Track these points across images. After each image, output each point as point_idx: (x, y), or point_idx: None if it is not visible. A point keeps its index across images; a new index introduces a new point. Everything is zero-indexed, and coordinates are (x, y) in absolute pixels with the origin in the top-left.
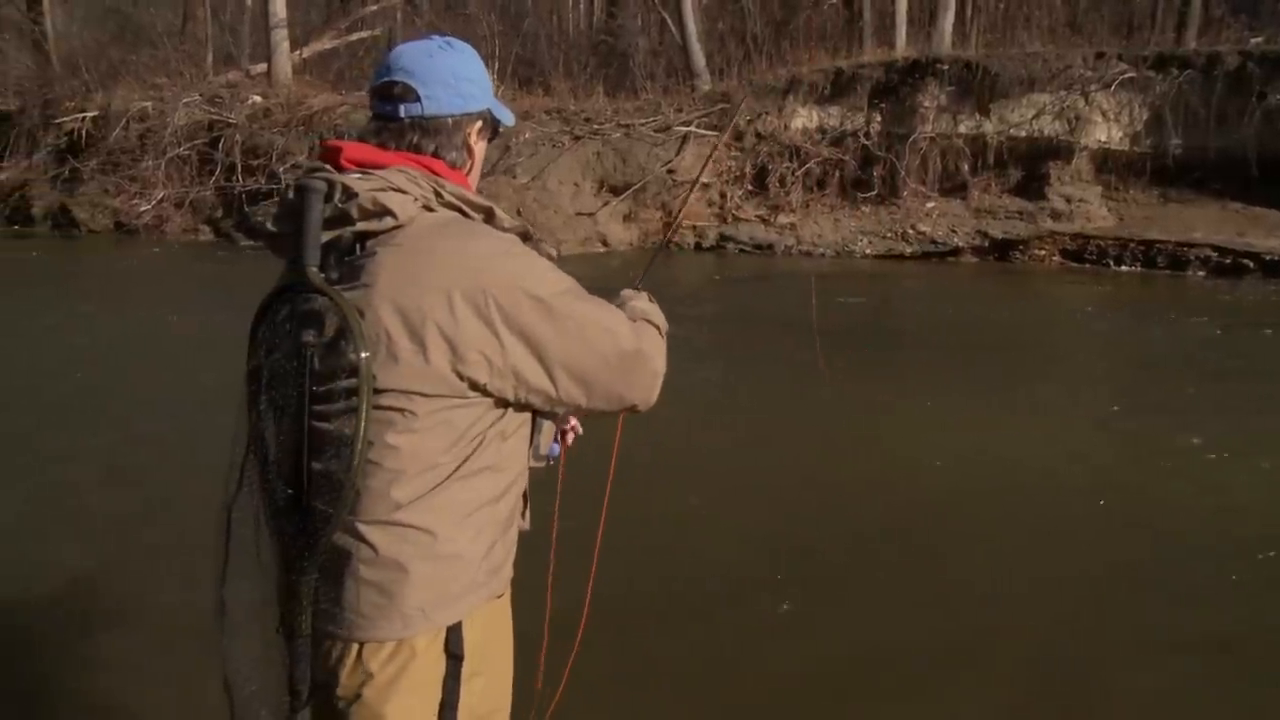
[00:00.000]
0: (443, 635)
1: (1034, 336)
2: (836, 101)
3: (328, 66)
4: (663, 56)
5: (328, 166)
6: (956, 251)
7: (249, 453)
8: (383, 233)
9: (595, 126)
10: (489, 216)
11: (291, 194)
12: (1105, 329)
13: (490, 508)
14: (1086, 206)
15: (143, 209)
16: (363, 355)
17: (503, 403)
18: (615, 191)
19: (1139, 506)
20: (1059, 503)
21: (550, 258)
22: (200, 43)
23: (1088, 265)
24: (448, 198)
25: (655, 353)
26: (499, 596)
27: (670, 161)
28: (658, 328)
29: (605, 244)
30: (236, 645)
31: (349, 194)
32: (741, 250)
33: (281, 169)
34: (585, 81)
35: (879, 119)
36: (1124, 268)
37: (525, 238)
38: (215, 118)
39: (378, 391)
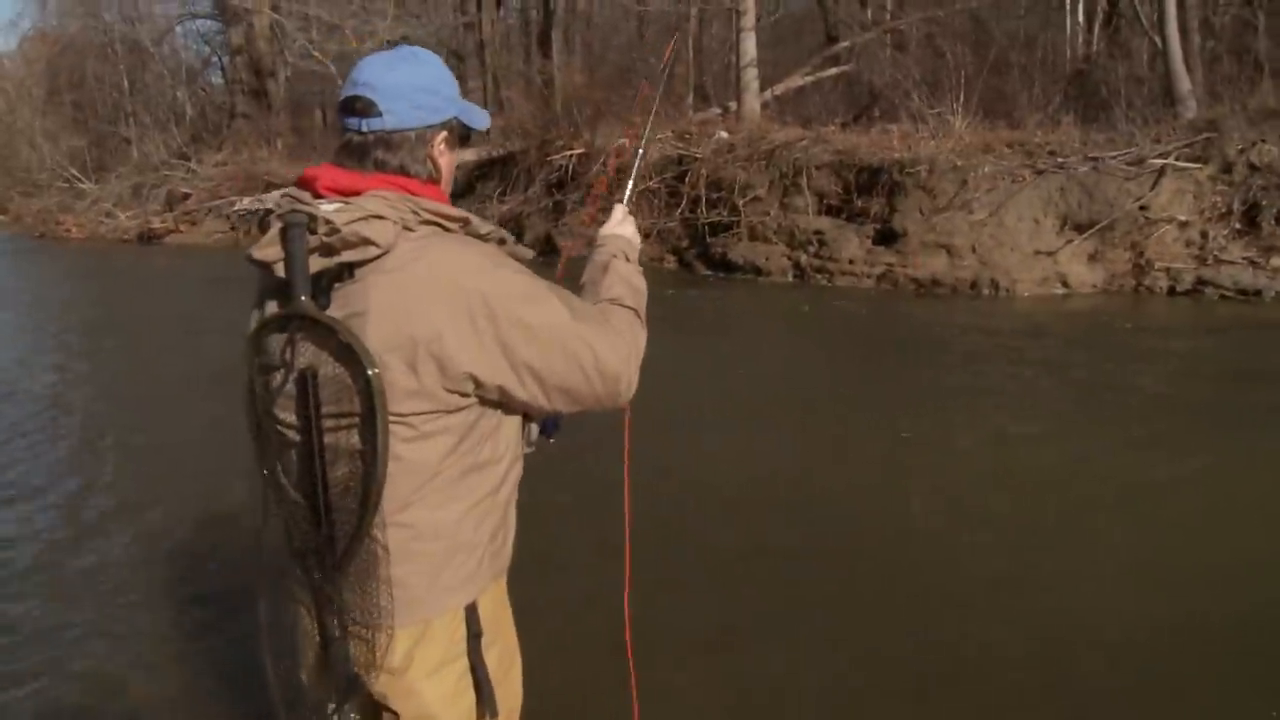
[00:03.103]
0: (461, 615)
1: None
2: None
3: (801, 103)
4: (1145, 83)
5: (307, 195)
6: None
7: (267, 477)
8: (369, 260)
9: (1060, 160)
10: (465, 224)
11: (276, 229)
12: None
13: (491, 498)
14: None
15: None
16: (371, 372)
17: (494, 404)
18: (1079, 229)
19: None
20: None
21: (525, 260)
22: (683, 82)
23: None
24: (425, 215)
25: (631, 356)
26: (501, 575)
27: (1143, 197)
28: (635, 311)
29: (1065, 285)
30: (283, 657)
31: (332, 228)
32: (1223, 296)
33: (741, 202)
34: (1054, 111)
35: None
36: None
37: (502, 243)
38: (684, 153)
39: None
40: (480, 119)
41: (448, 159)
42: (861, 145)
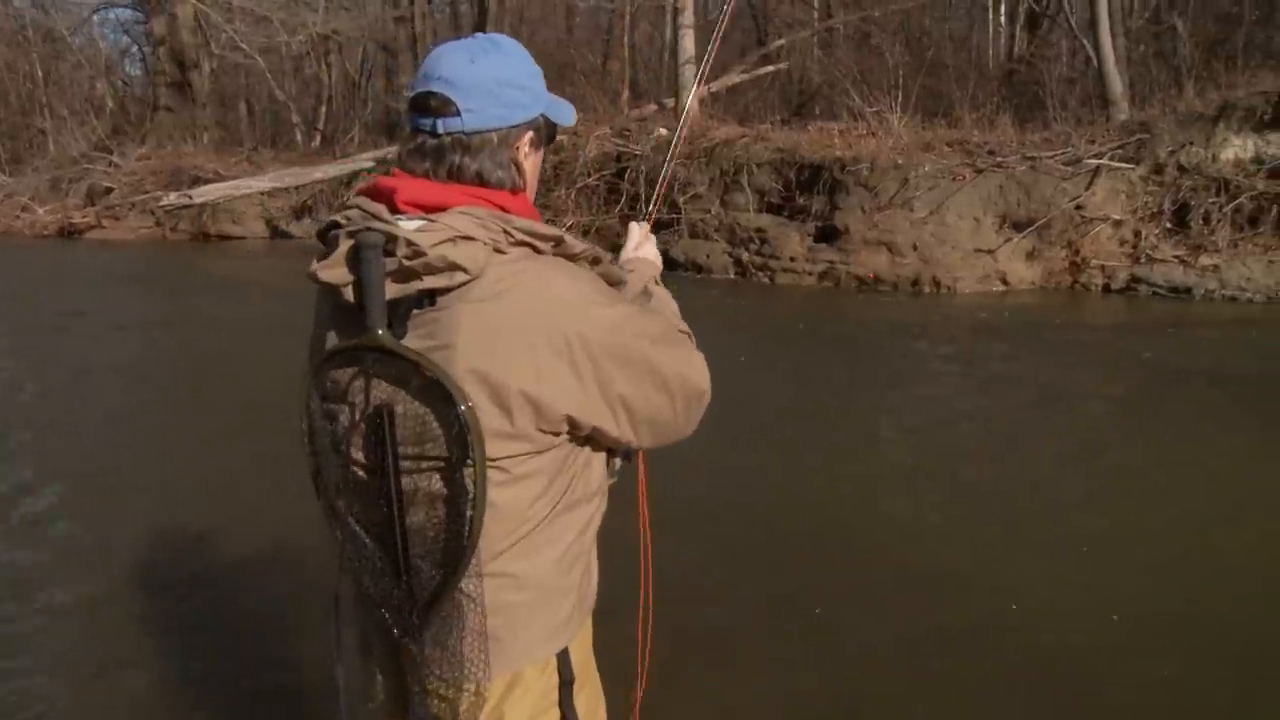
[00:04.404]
0: (553, 663)
1: None
2: (1278, 128)
3: (735, 101)
4: (1078, 84)
5: (384, 209)
6: None
7: (339, 523)
8: (453, 287)
9: (999, 159)
10: (558, 243)
11: (345, 245)
12: None
13: (579, 539)
14: None
15: None
16: (463, 408)
17: (582, 440)
18: (1018, 227)
19: None
20: None
21: (620, 282)
22: (618, 79)
23: None
24: (517, 235)
25: (707, 378)
26: (589, 615)
27: (1079, 197)
28: (688, 335)
29: (1005, 283)
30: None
31: (415, 251)
32: (1155, 293)
33: (681, 199)
34: (991, 112)
35: None
36: None
37: (596, 262)
38: (623, 150)
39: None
40: (568, 114)
41: (533, 161)
42: (802, 143)
